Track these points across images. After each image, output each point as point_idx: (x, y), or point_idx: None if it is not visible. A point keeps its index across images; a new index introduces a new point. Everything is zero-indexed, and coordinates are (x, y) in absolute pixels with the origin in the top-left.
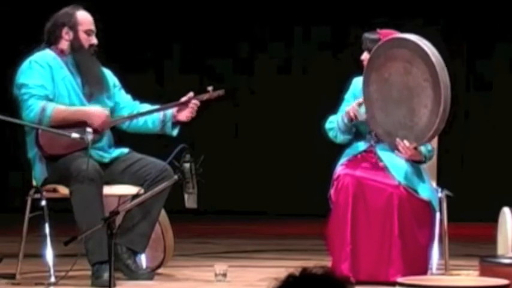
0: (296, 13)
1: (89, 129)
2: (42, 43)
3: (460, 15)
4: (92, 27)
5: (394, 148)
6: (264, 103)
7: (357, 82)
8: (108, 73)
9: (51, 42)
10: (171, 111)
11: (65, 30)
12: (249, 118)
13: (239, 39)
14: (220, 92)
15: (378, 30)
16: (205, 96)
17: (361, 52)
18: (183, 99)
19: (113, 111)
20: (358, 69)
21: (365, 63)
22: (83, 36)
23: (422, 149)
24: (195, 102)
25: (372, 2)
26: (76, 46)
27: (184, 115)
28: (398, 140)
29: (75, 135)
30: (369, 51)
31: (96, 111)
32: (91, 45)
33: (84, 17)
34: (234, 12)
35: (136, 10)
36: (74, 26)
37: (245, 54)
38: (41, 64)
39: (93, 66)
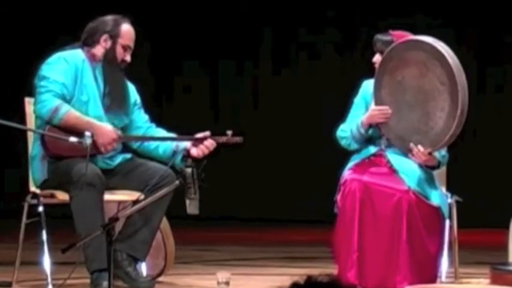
0: (301, 13)
1: (87, 133)
2: (78, 41)
3: (472, 16)
4: (131, 44)
5: (407, 153)
6: (269, 107)
7: (367, 85)
8: (131, 89)
9: (87, 43)
10: (184, 144)
11: (104, 37)
12: (252, 121)
13: (242, 41)
14: (238, 140)
15: (391, 32)
16: (222, 139)
17: (373, 54)
18: (200, 135)
19: (127, 128)
20: (368, 71)
21: (377, 65)
22: (119, 49)
23: (436, 154)
24: (211, 143)
25: (381, 2)
26: (109, 56)
27: (197, 152)
28: (412, 145)
29: (73, 139)
30: (381, 53)
31: (107, 129)
32: (123, 61)
33: (127, 32)
34: (238, 14)
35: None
36: (114, 37)
37: (248, 56)
38: (68, 63)
39: (119, 81)
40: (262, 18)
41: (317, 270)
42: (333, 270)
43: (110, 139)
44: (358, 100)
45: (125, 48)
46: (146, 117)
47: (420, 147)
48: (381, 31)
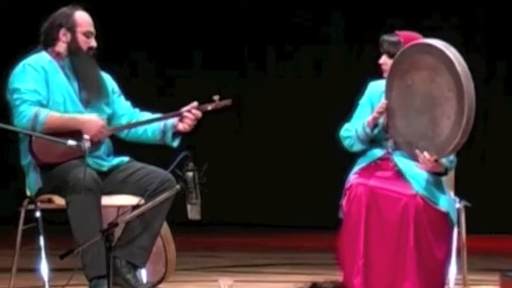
0: (306, 14)
1: (86, 136)
2: (38, 45)
3: (479, 12)
4: (91, 28)
5: (413, 159)
6: (272, 110)
7: (373, 87)
8: (107, 78)
9: (48, 44)
10: (171, 121)
11: (62, 31)
12: (256, 125)
13: (244, 43)
14: (227, 102)
15: (397, 32)
16: (210, 106)
17: (379, 55)
18: (186, 108)
19: (111, 118)
20: (375, 73)
21: (383, 67)
22: (81, 38)
23: (444, 160)
24: (195, 113)
25: (386, 2)
26: (74, 48)
27: (183, 126)
28: (418, 151)
29: (71, 142)
30: (388, 54)
31: (92, 119)
32: (90, 48)
33: (83, 18)
34: (240, 14)
35: (135, 10)
36: (71, 27)
37: (251, 57)
38: (35, 68)
39: (91, 70)
40: (267, 18)
41: (322, 277)
42: (338, 277)
43: (99, 127)
44: (363, 101)
45: (87, 35)
46: (128, 103)
47: (426, 153)
48: (387, 31)
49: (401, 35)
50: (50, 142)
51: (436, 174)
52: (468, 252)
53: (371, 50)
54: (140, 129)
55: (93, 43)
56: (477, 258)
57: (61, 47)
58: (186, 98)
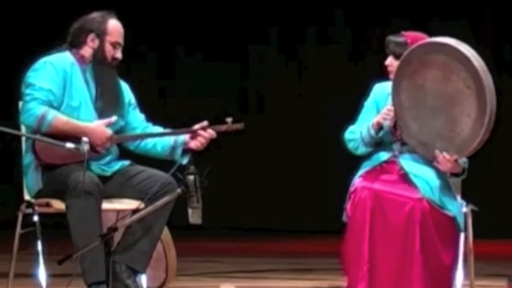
0: (310, 14)
1: (85, 139)
2: (64, 43)
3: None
4: (120, 40)
5: (431, 160)
6: (275, 113)
7: (378, 88)
8: (125, 88)
9: (74, 45)
10: (182, 138)
11: (91, 36)
12: (258, 128)
13: (248, 43)
14: (239, 126)
15: (403, 33)
16: (222, 128)
17: (385, 57)
18: (197, 126)
19: (123, 130)
20: (382, 75)
21: (390, 68)
22: (108, 47)
23: (459, 160)
24: (210, 133)
25: (392, 2)
26: (99, 56)
27: (195, 144)
28: (437, 152)
29: (70, 145)
30: (394, 55)
31: (99, 130)
32: (114, 59)
33: (114, 28)
34: (244, 14)
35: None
36: (101, 35)
37: (255, 58)
38: (56, 67)
39: (111, 80)
40: (268, 18)
41: (326, 283)
42: (342, 282)
43: (104, 138)
44: (368, 103)
45: (114, 45)
46: (142, 116)
47: (446, 154)
48: (393, 32)
49: (408, 35)
50: (48, 144)
51: (454, 175)
52: (475, 257)
53: (376, 50)
54: (150, 143)
55: (118, 54)
56: (484, 263)
57: (87, 51)
58: (186, 98)
